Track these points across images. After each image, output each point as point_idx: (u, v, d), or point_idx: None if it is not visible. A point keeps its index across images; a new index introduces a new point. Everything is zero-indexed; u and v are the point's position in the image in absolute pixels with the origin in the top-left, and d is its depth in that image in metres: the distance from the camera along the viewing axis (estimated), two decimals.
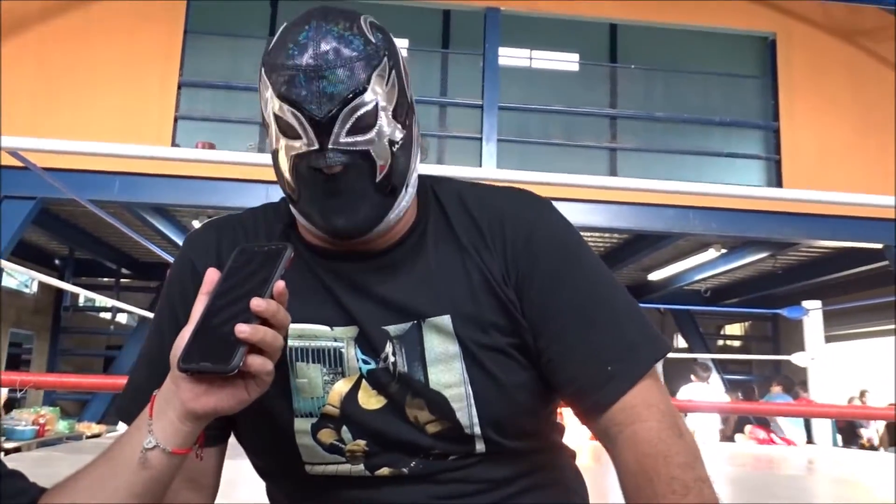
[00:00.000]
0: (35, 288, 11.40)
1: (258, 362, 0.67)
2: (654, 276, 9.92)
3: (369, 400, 0.83)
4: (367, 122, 0.78)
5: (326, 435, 0.83)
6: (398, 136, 0.80)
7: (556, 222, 0.89)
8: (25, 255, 9.12)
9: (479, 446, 0.83)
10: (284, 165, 0.80)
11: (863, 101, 7.29)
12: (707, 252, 8.41)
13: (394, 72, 0.80)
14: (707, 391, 7.27)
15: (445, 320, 0.83)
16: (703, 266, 9.04)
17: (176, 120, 6.48)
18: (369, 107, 0.77)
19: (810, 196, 4.07)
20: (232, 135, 6.75)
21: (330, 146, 0.76)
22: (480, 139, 6.84)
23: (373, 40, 0.79)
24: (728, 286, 10.80)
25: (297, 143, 0.77)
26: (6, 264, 4.48)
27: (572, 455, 0.99)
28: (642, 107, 7.43)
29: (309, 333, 0.83)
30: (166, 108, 6.43)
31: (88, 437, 7.49)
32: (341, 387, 0.83)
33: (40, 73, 6.30)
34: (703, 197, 6.64)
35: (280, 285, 0.69)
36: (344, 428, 0.83)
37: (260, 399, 0.71)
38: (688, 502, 0.72)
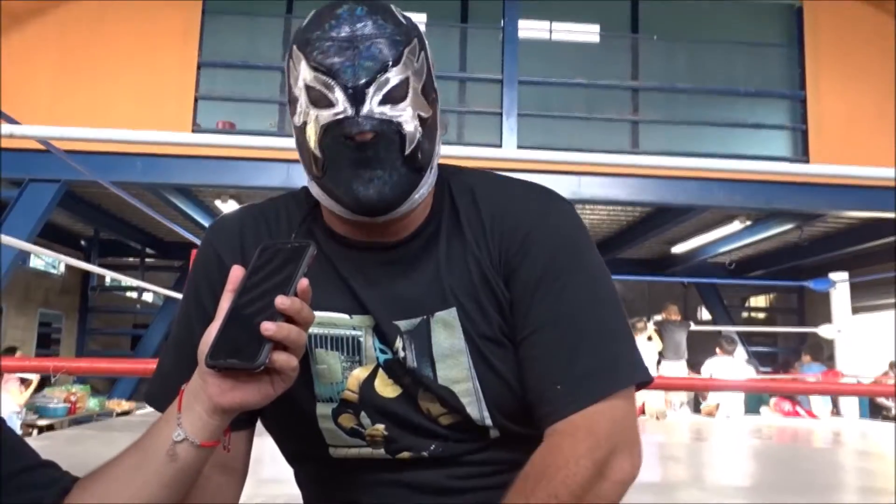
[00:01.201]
0: (62, 269, 11.56)
1: (283, 359, 0.68)
2: (678, 248, 9.84)
3: (386, 388, 0.84)
4: (399, 94, 0.79)
5: (346, 419, 0.84)
6: (425, 114, 0.81)
7: (563, 224, 0.86)
8: (51, 236, 9.25)
9: (494, 433, 0.84)
10: (312, 137, 0.80)
11: (891, 68, 7.12)
12: (732, 224, 8.32)
13: (423, 53, 0.82)
14: (732, 364, 7.24)
15: (452, 314, 0.83)
16: (727, 238, 8.93)
17: (196, 100, 6.49)
18: (401, 79, 0.79)
19: (831, 171, 3.96)
20: (252, 113, 6.76)
21: (363, 113, 0.77)
22: (500, 114, 6.78)
23: (403, 22, 0.81)
24: (753, 258, 10.68)
25: (328, 112, 0.78)
26: (33, 248, 4.54)
27: None
28: (665, 78, 7.32)
29: (328, 321, 0.84)
30: (186, 88, 6.44)
31: (118, 415, 7.64)
32: (359, 373, 0.84)
33: (60, 57, 6.33)
34: (729, 166, 6.56)
35: (304, 283, 0.70)
36: (363, 413, 0.84)
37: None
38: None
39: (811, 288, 6.98)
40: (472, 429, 0.84)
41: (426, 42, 0.84)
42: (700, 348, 8.76)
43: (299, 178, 6.31)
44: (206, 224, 8.43)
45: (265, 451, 0.94)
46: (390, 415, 0.84)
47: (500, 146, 6.69)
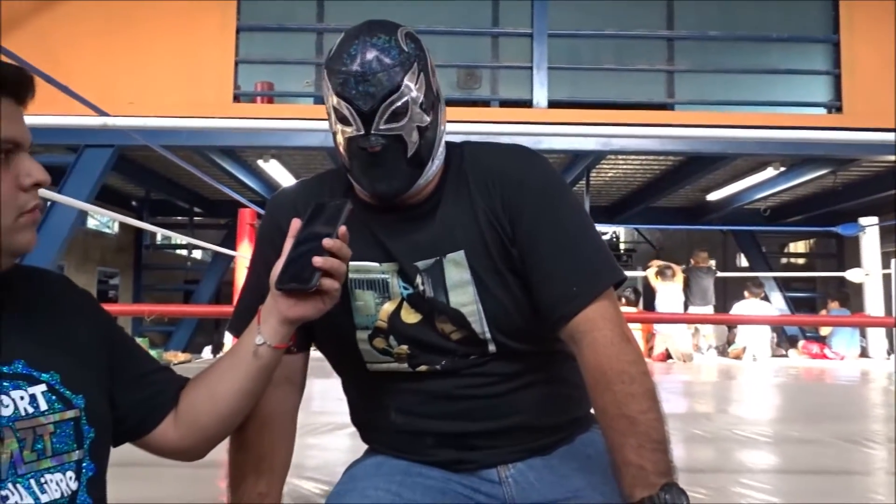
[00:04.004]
0: (116, 228, 12.07)
1: (329, 283, 0.96)
2: (713, 196, 9.87)
3: (409, 316, 1.12)
4: (400, 113, 1.04)
5: (379, 342, 1.13)
6: (425, 121, 1.07)
7: (543, 173, 1.14)
8: (105, 198, 9.66)
9: (491, 347, 1.11)
10: (341, 144, 1.07)
11: None
12: (765, 171, 8.33)
13: (422, 73, 1.06)
14: (760, 307, 7.37)
15: (460, 255, 1.10)
16: (762, 185, 8.94)
17: (236, 64, 6.72)
18: (402, 102, 1.03)
19: (868, 137, 3.95)
20: (289, 74, 6.98)
21: (372, 132, 1.03)
22: (531, 68, 6.88)
23: (406, 49, 1.04)
24: (789, 204, 10.64)
25: (349, 129, 1.05)
26: (90, 207, 4.89)
27: (573, 357, 1.24)
28: (698, 26, 7.29)
29: (363, 269, 1.12)
30: (226, 53, 6.67)
31: (175, 365, 8.11)
32: (388, 307, 1.12)
33: (106, 26, 6.58)
34: (761, 116, 6.60)
35: (343, 229, 0.98)
36: (391, 337, 1.12)
37: (333, 318, 1.02)
38: (633, 389, 0.98)
39: (840, 233, 7.03)
40: (475, 343, 1.11)
41: (428, 58, 1.08)
42: (734, 293, 8.87)
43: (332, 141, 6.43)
44: (250, 183, 8.78)
45: (315, 392, 1.24)
46: (412, 337, 1.11)
47: (530, 99, 6.81)
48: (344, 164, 1.10)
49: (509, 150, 1.18)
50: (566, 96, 6.83)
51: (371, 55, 1.02)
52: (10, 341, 0.86)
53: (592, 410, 1.23)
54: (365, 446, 1.26)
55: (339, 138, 1.07)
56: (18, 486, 0.80)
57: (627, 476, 0.95)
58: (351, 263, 1.06)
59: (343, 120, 1.04)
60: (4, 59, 1.20)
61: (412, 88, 1.04)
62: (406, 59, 1.04)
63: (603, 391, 1.00)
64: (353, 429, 1.24)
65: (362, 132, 1.03)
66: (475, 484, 1.13)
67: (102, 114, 3.84)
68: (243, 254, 8.13)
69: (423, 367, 1.12)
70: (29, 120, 0.87)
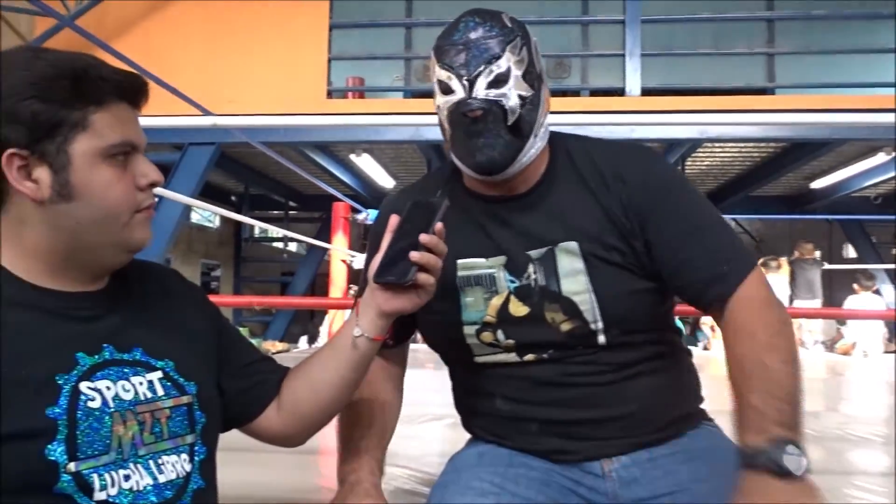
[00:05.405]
0: (217, 222, 12.57)
1: (424, 277, 0.97)
2: (818, 183, 9.42)
3: (518, 309, 1.11)
4: (501, 80, 1.05)
5: (487, 336, 1.13)
6: (526, 93, 1.07)
7: (664, 170, 1.15)
8: (206, 193, 10.05)
9: (601, 339, 1.09)
10: (444, 116, 1.09)
11: None
12: (876, 156, 7.87)
13: (524, 48, 1.08)
14: (874, 301, 7.00)
15: (573, 245, 1.09)
16: (872, 171, 8.45)
17: (329, 61, 6.86)
18: (502, 69, 1.05)
19: None
20: (380, 69, 7.08)
21: (473, 95, 1.05)
22: (623, 55, 6.73)
23: (509, 25, 1.08)
24: None
25: (452, 97, 1.07)
26: (193, 201, 5.09)
27: (687, 353, 1.23)
28: (800, 6, 6.95)
29: (471, 265, 1.13)
30: (320, 49, 6.81)
31: (273, 354, 8.39)
32: (496, 301, 1.12)
33: (205, 27, 6.82)
34: (870, 98, 6.25)
35: (439, 226, 0.99)
36: (499, 330, 1.12)
37: (441, 316, 1.08)
38: (777, 341, 0.98)
39: None
40: (584, 334, 1.09)
41: (531, 38, 1.10)
42: (840, 286, 8.46)
43: (427, 132, 6.58)
44: (343, 177, 9.00)
45: (408, 383, 1.29)
46: (520, 329, 1.11)
47: (623, 87, 6.67)
48: (446, 139, 1.11)
49: (624, 148, 1.18)
50: (660, 83, 6.66)
51: (475, 31, 1.06)
52: (130, 331, 0.91)
53: (703, 406, 1.20)
54: (460, 436, 1.27)
55: (444, 113, 1.09)
56: (139, 465, 0.85)
57: (744, 419, 0.92)
58: (458, 261, 1.09)
59: (446, 90, 1.07)
60: (115, 61, 1.26)
61: (514, 59, 1.06)
62: (509, 32, 1.07)
63: (744, 339, 0.99)
64: (447, 420, 1.25)
65: (464, 96, 1.05)
66: (577, 476, 1.12)
67: (208, 113, 4.02)
68: (337, 246, 8.31)
69: (530, 356, 1.12)
70: (143, 122, 0.91)
